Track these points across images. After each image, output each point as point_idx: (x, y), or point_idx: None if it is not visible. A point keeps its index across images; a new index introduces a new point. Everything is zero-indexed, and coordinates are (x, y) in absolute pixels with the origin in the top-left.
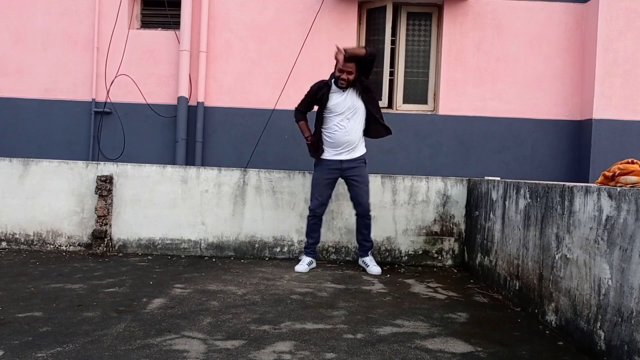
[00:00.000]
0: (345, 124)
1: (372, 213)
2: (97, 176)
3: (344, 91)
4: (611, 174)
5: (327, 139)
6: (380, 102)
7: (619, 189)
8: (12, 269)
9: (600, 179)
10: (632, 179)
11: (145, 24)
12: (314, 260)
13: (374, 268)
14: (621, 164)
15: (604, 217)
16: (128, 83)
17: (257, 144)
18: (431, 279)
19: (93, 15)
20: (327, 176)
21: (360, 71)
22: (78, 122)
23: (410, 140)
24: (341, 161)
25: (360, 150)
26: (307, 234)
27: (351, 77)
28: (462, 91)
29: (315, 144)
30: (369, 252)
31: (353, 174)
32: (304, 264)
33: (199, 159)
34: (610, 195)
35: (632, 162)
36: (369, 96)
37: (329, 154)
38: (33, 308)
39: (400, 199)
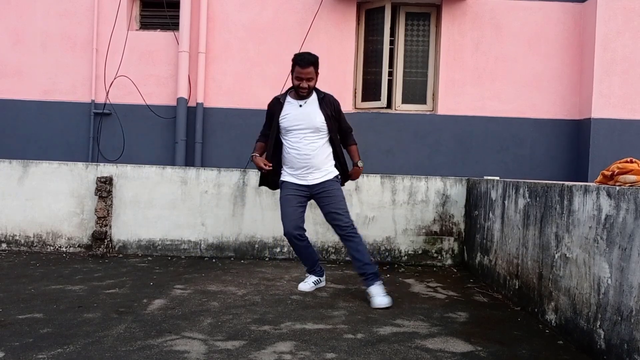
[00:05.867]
0: (300, 142)
1: (371, 213)
2: (97, 177)
3: (300, 106)
4: (610, 173)
5: (284, 160)
6: (379, 102)
7: (618, 188)
8: (12, 271)
9: (600, 178)
10: (631, 178)
11: (144, 25)
12: (321, 279)
13: (380, 298)
14: (620, 163)
15: (603, 216)
16: (127, 84)
17: None
18: (431, 278)
19: (92, 16)
20: (290, 193)
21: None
22: (77, 123)
23: (410, 140)
24: (307, 186)
25: (327, 172)
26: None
27: (312, 83)
28: (460, 91)
29: (267, 172)
30: (376, 279)
31: (323, 195)
32: (310, 282)
33: (199, 159)
34: (609, 195)
35: (631, 161)
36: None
37: (289, 177)
38: (33, 309)
39: (399, 198)
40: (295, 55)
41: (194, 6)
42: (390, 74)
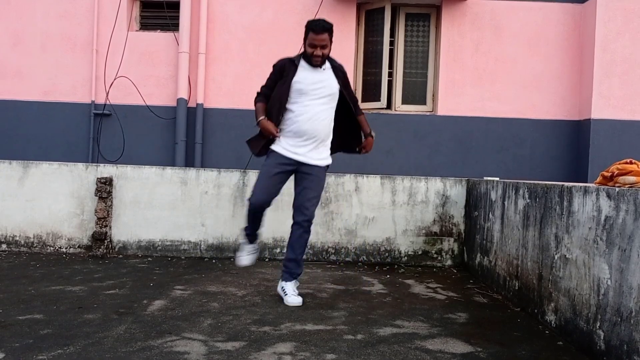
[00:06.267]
0: (313, 107)
1: (371, 214)
2: (97, 178)
3: (317, 71)
4: (610, 174)
5: (287, 127)
6: (379, 103)
7: (617, 189)
8: (12, 272)
9: (599, 179)
10: (631, 179)
11: (144, 26)
12: (254, 246)
13: (293, 297)
14: (620, 164)
15: (602, 217)
16: (127, 85)
17: None
18: (431, 279)
19: (92, 17)
20: (277, 169)
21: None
22: (77, 124)
23: (409, 141)
24: (297, 161)
25: (326, 157)
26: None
27: (326, 51)
28: (460, 92)
29: (268, 136)
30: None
31: (308, 179)
32: (251, 256)
33: (199, 160)
34: (609, 196)
35: (631, 162)
36: (348, 90)
37: (282, 149)
38: (33, 310)
39: (399, 199)
40: (309, 21)
41: (194, 7)
42: (390, 74)
